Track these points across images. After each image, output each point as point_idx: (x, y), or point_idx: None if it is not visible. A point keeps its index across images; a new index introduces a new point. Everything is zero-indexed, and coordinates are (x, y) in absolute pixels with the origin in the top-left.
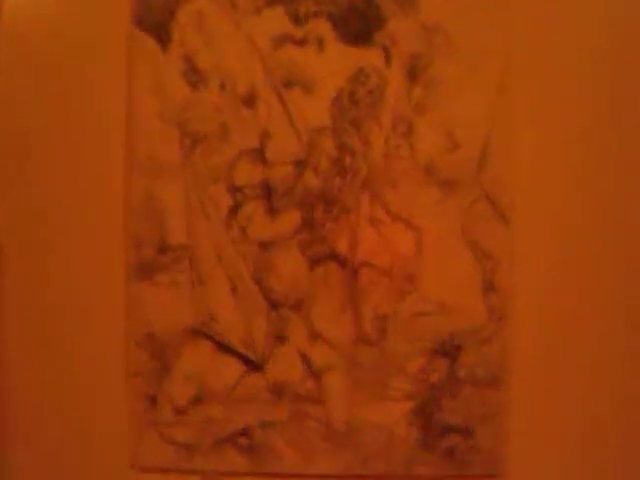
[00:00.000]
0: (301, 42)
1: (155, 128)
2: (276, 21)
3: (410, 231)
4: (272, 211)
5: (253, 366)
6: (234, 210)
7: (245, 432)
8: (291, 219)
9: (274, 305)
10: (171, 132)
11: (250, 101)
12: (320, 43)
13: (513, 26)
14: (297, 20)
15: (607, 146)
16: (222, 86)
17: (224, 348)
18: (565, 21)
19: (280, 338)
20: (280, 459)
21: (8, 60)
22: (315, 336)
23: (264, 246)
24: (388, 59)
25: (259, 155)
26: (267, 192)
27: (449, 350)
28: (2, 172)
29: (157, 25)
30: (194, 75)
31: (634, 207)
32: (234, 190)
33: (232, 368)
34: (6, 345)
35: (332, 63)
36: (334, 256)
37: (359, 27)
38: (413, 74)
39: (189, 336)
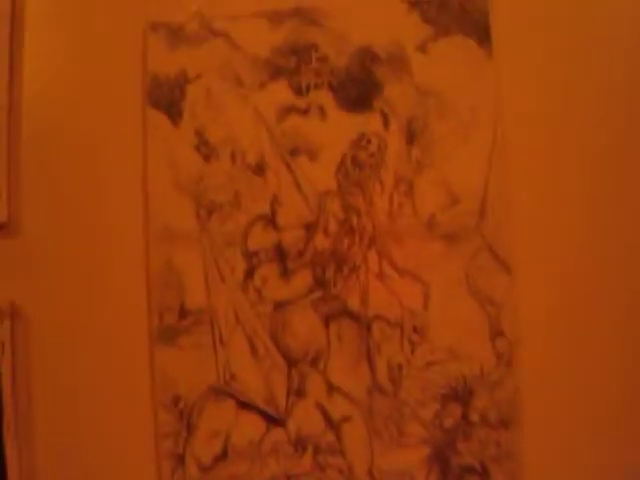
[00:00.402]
0: (304, 112)
1: (171, 199)
2: (280, 93)
3: (417, 284)
4: (286, 273)
5: (275, 422)
6: (250, 273)
7: None
8: (304, 279)
9: (292, 362)
10: (186, 202)
11: (260, 170)
12: (322, 112)
13: (501, 81)
14: (299, 91)
15: (604, 191)
16: (233, 157)
17: (246, 406)
18: (552, 71)
19: (299, 393)
20: None
21: (31, 141)
22: (332, 389)
23: (279, 306)
24: (387, 123)
25: (271, 220)
26: (280, 255)
27: (461, 395)
28: (32, 248)
29: (168, 102)
30: (205, 148)
31: (632, 247)
32: (249, 254)
33: (255, 425)
34: (34, 412)
35: (334, 130)
36: (347, 312)
37: (358, 94)
38: (411, 136)
39: (212, 396)
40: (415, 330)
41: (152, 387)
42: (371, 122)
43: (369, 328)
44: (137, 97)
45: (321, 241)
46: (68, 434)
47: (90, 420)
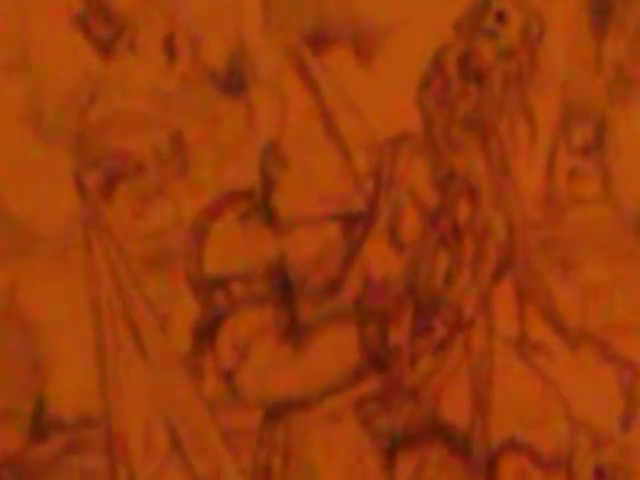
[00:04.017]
0: None
1: (16, 142)
2: None
3: (609, 367)
4: (295, 331)
5: None
6: (207, 333)
7: None
8: (340, 348)
9: None
10: (55, 153)
11: (236, 82)
12: None
13: None
14: None
15: None
16: (169, 50)
17: None
18: None
19: None
20: None
21: None
22: None
23: (279, 412)
24: None
25: (262, 204)
26: (283, 287)
27: None
28: None
29: None
30: (107, 26)
31: None
32: (206, 286)
33: None
34: None
35: None
36: (440, 430)
37: None
38: (605, 8)
39: None
40: (600, 478)
41: None
42: None
43: (492, 469)
44: None
45: (382, 258)
46: None
47: None
